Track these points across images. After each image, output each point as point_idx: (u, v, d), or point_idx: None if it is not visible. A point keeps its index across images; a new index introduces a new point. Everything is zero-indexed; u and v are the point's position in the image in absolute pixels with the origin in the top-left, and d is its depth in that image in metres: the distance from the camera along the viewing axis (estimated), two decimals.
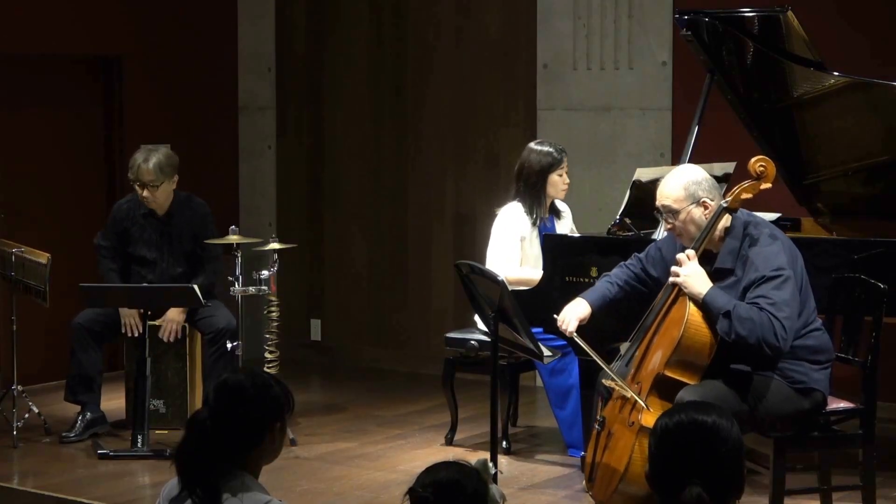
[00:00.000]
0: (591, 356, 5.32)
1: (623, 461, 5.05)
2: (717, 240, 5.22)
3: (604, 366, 5.25)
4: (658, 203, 5.30)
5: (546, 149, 6.78)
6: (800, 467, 5.48)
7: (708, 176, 5.30)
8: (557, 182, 6.75)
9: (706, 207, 5.19)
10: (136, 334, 7.04)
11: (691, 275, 5.11)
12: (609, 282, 5.61)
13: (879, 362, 5.27)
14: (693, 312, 5.05)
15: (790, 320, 4.98)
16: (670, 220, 5.26)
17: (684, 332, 5.02)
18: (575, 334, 5.45)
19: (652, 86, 8.04)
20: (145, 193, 7.11)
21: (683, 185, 5.22)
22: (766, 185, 5.23)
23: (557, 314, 5.55)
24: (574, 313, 5.51)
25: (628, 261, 5.65)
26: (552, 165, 6.73)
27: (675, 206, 5.21)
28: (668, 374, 5.06)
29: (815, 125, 6.33)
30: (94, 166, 8.82)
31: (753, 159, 5.25)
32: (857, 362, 5.37)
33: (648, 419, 4.98)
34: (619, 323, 5.62)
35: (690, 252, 5.16)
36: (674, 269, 5.17)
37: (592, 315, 5.53)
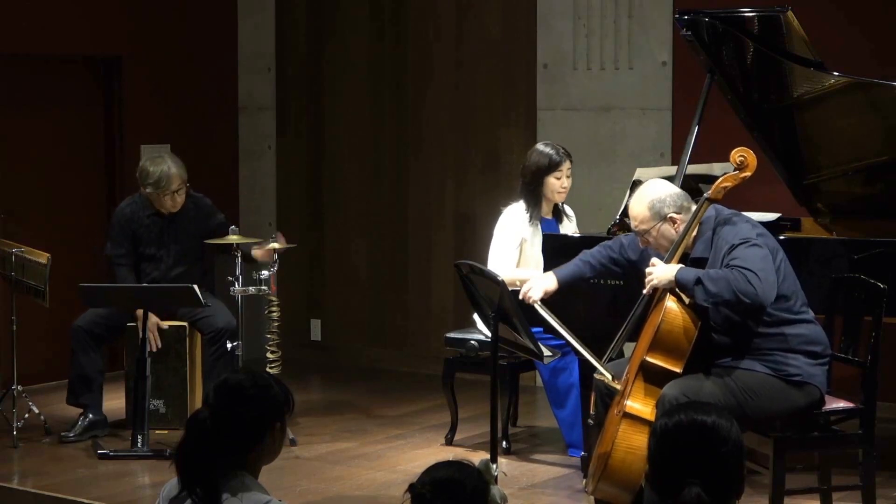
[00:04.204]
0: (557, 330, 5.44)
1: (607, 449, 5.11)
2: (691, 237, 5.28)
3: (568, 336, 5.37)
4: (631, 226, 5.42)
5: (547, 150, 6.77)
6: (800, 467, 5.48)
7: (673, 190, 5.37)
8: (554, 185, 6.72)
9: (675, 222, 5.27)
10: (157, 348, 7.03)
11: (659, 270, 5.22)
12: (582, 260, 5.72)
13: (879, 362, 5.28)
14: (672, 299, 5.15)
15: (763, 271, 5.01)
16: (644, 238, 5.37)
17: (663, 317, 5.11)
18: (538, 303, 5.54)
19: (652, 86, 8.04)
20: (175, 199, 7.10)
21: (647, 205, 5.31)
22: (746, 175, 5.31)
23: (538, 306, 5.61)
24: (541, 283, 5.64)
25: (610, 241, 5.75)
26: (549, 167, 6.72)
27: (644, 226, 5.32)
28: (651, 359, 5.13)
29: (815, 125, 6.33)
30: (94, 166, 8.82)
31: (734, 150, 5.32)
32: (857, 362, 5.37)
33: (632, 406, 5.10)
34: (620, 321, 5.62)
35: (654, 259, 5.30)
36: (646, 278, 5.27)
37: (560, 292, 5.63)
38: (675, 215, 5.27)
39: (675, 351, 5.12)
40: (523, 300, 5.63)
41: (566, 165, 6.74)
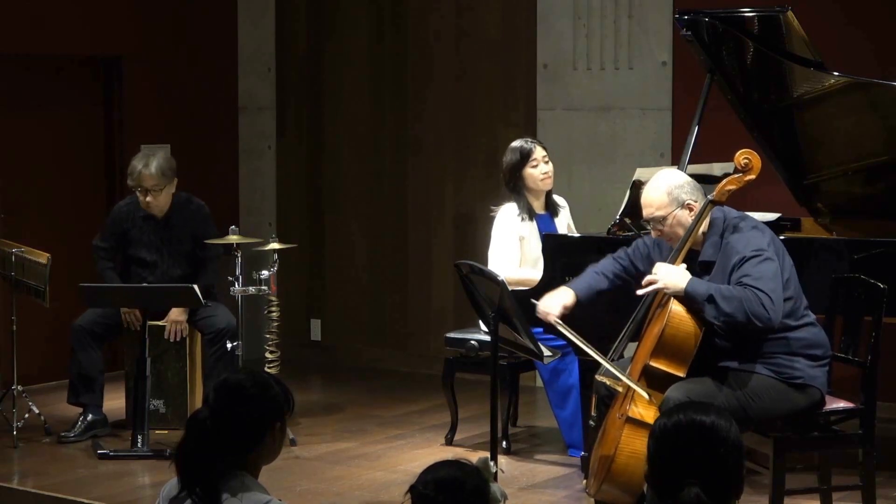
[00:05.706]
0: (576, 344, 5.34)
1: (610, 453, 5.09)
2: (700, 237, 5.26)
3: (590, 351, 5.27)
4: (644, 215, 5.36)
5: (516, 144, 6.78)
6: (800, 467, 5.48)
7: (688, 178, 5.37)
8: (534, 175, 6.72)
9: (691, 209, 5.24)
10: (136, 329, 7.04)
11: (667, 274, 5.17)
12: (597, 272, 5.62)
13: (879, 362, 5.28)
14: (677, 303, 5.11)
15: (775, 292, 4.99)
16: (658, 227, 5.31)
17: (668, 322, 5.08)
18: (559, 322, 5.43)
19: (652, 86, 8.04)
20: (148, 199, 7.10)
21: (666, 190, 5.27)
22: (750, 177, 5.28)
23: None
24: (558, 301, 5.50)
25: (617, 253, 5.68)
26: (522, 159, 6.72)
27: (661, 212, 5.26)
28: (654, 364, 5.11)
29: (815, 125, 6.33)
30: (93, 166, 8.82)
31: (738, 152, 5.30)
32: (857, 362, 5.37)
33: (635, 410, 5.07)
34: (620, 320, 5.60)
35: (658, 263, 5.25)
36: (649, 277, 5.21)
37: (579, 304, 5.52)
38: (692, 202, 5.25)
39: (678, 355, 5.10)
40: (542, 319, 5.52)
41: (539, 152, 6.73)
